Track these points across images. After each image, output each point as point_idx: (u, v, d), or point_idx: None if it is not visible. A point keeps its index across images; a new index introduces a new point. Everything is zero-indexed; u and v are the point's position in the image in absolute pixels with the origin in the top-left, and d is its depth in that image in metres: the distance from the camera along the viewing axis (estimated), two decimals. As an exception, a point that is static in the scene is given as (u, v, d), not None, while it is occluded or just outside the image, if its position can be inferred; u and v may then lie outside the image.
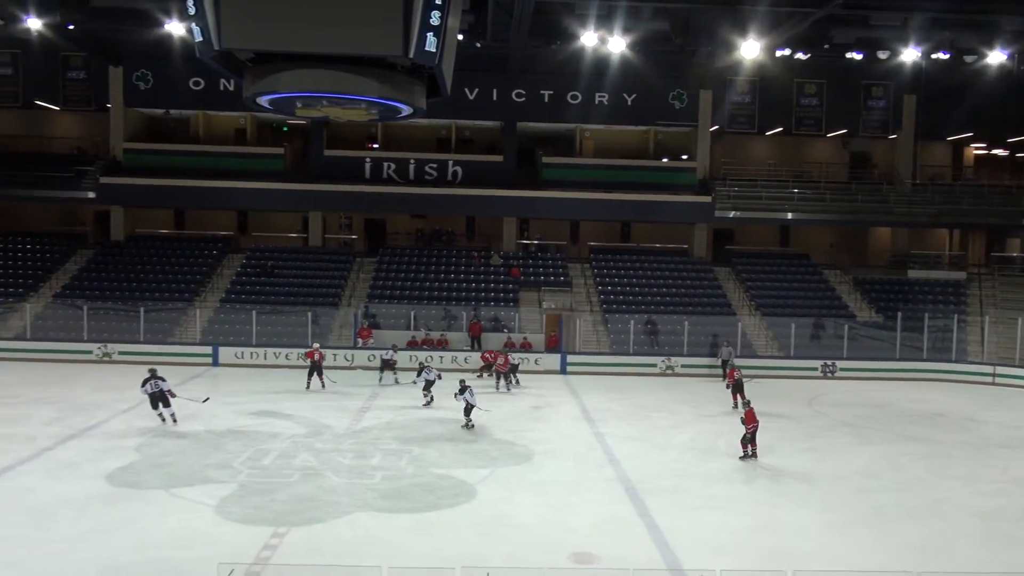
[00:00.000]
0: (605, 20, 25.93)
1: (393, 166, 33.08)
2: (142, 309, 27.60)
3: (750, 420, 16.30)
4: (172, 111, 34.61)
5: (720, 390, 22.67)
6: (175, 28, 26.57)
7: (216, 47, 12.71)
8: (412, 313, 28.69)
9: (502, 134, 34.41)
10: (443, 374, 21.84)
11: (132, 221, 33.67)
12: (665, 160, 35.40)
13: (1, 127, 34.49)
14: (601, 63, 29.89)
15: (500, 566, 9.98)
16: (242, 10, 12.44)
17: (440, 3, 12.54)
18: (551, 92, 33.11)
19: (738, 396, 20.57)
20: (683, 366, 27.24)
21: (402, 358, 25.20)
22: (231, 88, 31.13)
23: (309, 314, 27.72)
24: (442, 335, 27.86)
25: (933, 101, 33.36)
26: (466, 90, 32.05)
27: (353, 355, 26.77)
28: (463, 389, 18.34)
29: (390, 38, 12.49)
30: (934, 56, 28.23)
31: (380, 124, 33.13)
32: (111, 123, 33.27)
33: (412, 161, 33.17)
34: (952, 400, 24.01)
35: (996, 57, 27.58)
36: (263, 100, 14.02)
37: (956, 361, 27.85)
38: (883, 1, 24.94)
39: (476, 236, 36.30)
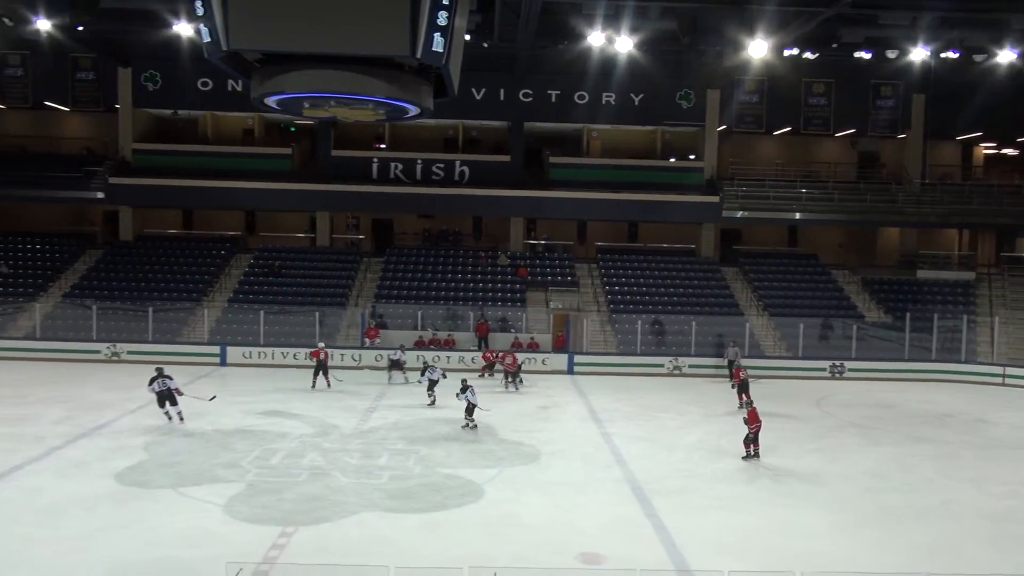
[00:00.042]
0: (612, 20, 25.87)
1: (400, 166, 33.13)
2: (151, 309, 27.71)
3: (753, 420, 16.28)
4: (180, 112, 34.74)
5: (728, 390, 22.61)
6: (183, 29, 26.67)
7: (224, 48, 12.75)
8: (419, 313, 28.73)
9: (509, 134, 34.41)
10: (447, 374, 21.84)
11: (141, 221, 33.82)
12: (672, 160, 35.34)
13: (11, 128, 34.69)
14: (608, 63, 29.84)
15: (507, 566, 9.98)
16: (250, 11, 12.47)
17: (447, 3, 12.54)
18: (558, 92, 33.09)
19: (743, 396, 20.54)
20: (691, 366, 27.19)
21: (409, 358, 25.22)
22: (239, 89, 31.19)
23: (317, 314, 27.77)
24: (449, 335, 27.87)
25: (942, 100, 33.19)
26: (473, 90, 32.07)
27: (360, 355, 26.82)
28: (465, 389, 18.34)
29: (397, 38, 12.51)
30: (943, 55, 28.09)
31: (387, 124, 33.19)
32: (120, 124, 33.41)
33: (419, 161, 33.22)
34: (961, 401, 23.90)
35: (1006, 56, 27.41)
36: (271, 100, 14.05)
37: (966, 362, 27.72)
38: (892, 0, 24.83)
39: (483, 236, 36.31)
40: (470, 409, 18.27)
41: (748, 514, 13.15)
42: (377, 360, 26.41)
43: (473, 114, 33.44)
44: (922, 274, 32.82)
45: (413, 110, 14.41)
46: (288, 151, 34.01)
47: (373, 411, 20.33)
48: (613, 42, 27.15)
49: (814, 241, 36.04)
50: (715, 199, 32.87)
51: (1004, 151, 38.42)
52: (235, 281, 31.09)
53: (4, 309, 28.24)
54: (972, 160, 37.91)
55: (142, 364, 20.74)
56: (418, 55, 12.58)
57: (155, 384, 17.92)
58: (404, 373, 24.32)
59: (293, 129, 36.31)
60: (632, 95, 33.09)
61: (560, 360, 27.23)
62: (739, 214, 32.76)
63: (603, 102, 33.08)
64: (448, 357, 26.56)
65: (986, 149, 38.13)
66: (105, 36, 30.22)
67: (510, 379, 23.79)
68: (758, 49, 26.69)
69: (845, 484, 14.99)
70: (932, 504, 14.04)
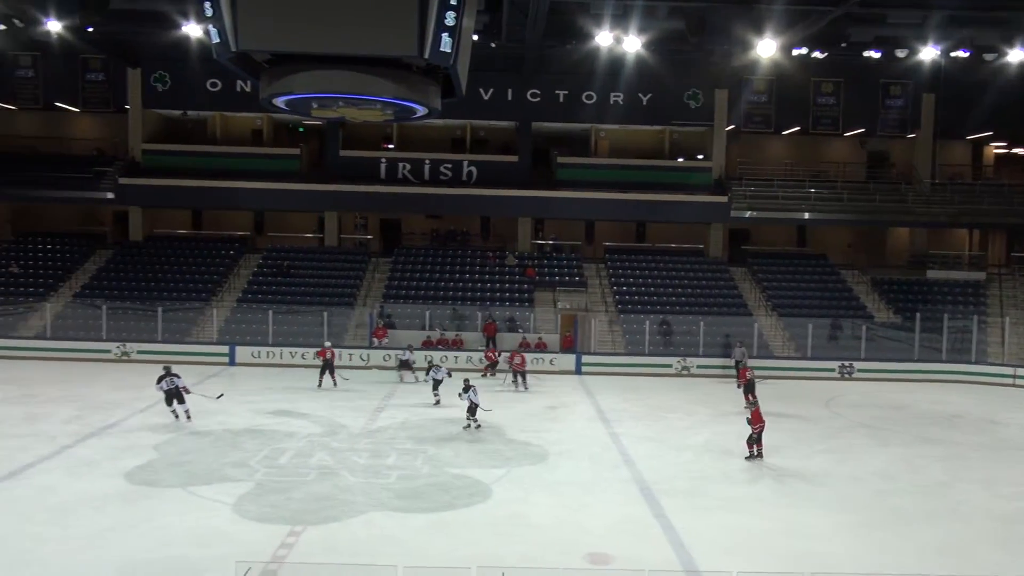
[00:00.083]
0: (620, 20, 25.86)
1: (408, 166, 33.18)
2: (160, 309, 27.84)
3: (756, 420, 16.25)
4: (189, 112, 34.87)
5: (735, 391, 22.55)
6: (192, 30, 26.79)
7: (233, 48, 12.81)
8: (427, 313, 28.76)
9: (517, 134, 34.42)
10: (453, 373, 21.87)
11: (150, 221, 33.99)
12: (680, 160, 35.26)
13: (22, 128, 34.91)
14: (616, 63, 29.82)
15: (515, 566, 9.98)
16: (259, 12, 12.52)
17: (455, 4, 12.57)
18: (566, 92, 33.07)
19: (748, 396, 20.49)
20: (699, 367, 27.13)
21: (417, 358, 25.27)
22: (248, 89, 31.34)
23: (325, 314, 27.84)
24: (457, 335, 27.90)
25: (952, 100, 33.02)
26: (481, 90, 32.09)
27: (369, 355, 26.87)
28: (467, 388, 18.35)
29: (405, 39, 12.54)
30: (953, 54, 27.97)
31: (395, 124, 33.23)
32: (129, 124, 33.58)
33: (427, 161, 33.26)
34: (971, 402, 23.77)
35: (1016, 55, 27.28)
36: (279, 101, 14.11)
37: (976, 362, 27.56)
38: (901, -1, 24.77)
39: (491, 236, 36.32)
40: (472, 409, 18.28)
41: (757, 515, 13.12)
42: (385, 360, 26.47)
43: (481, 114, 33.46)
44: (932, 274, 32.66)
45: (421, 110, 14.45)
46: (297, 151, 34.12)
47: (381, 411, 20.37)
48: (621, 42, 27.14)
49: (823, 241, 35.91)
50: (723, 199, 32.79)
51: (1015, 151, 38.20)
52: (244, 281, 31.22)
53: (15, 309, 28.42)
54: (982, 160, 37.70)
55: (152, 364, 20.84)
56: (426, 55, 12.61)
57: (163, 383, 18.02)
58: (414, 372, 24.37)
59: (301, 130, 36.42)
60: (640, 95, 33.05)
61: (568, 360, 27.22)
62: (747, 214, 32.67)
63: (611, 102, 33.05)
64: (456, 357, 26.59)
65: (997, 149, 37.92)
66: (115, 37, 30.39)
67: (520, 378, 23.83)
68: (766, 48, 26.63)
69: (854, 485, 14.94)
70: (941, 505, 13.97)
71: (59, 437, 16.67)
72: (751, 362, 25.06)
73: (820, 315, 29.24)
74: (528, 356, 25.09)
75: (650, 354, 27.69)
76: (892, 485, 15.04)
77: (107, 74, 33.20)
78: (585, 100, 33.09)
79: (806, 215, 33.05)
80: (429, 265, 32.35)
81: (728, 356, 26.83)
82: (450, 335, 27.89)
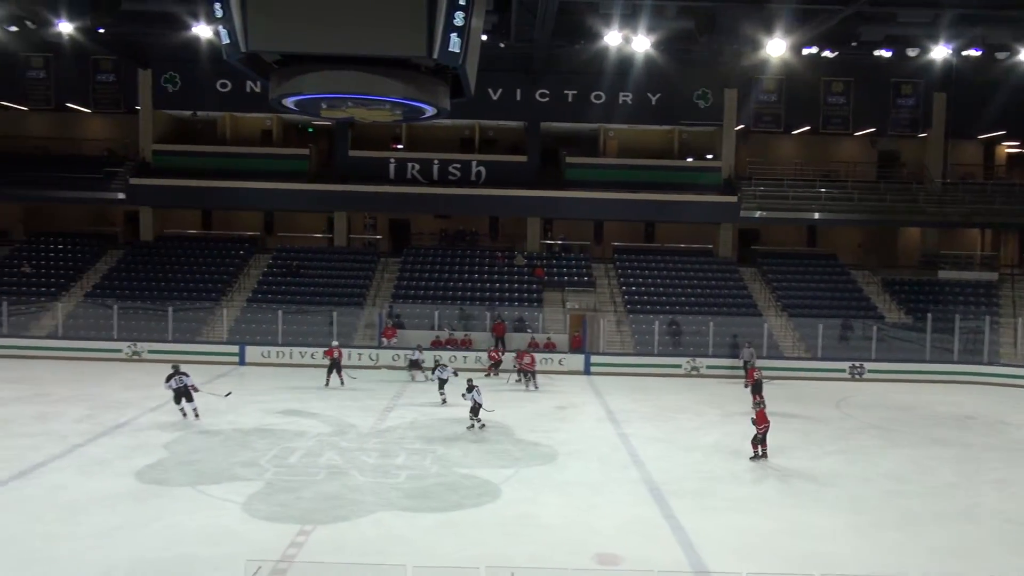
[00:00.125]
0: (629, 19, 25.81)
1: (417, 166, 33.22)
2: (170, 308, 27.97)
3: (761, 421, 16.21)
4: (200, 113, 35.04)
5: (744, 391, 22.47)
6: (203, 31, 26.92)
7: (243, 49, 12.86)
8: (436, 313, 28.80)
9: (526, 134, 34.41)
10: (459, 372, 21.88)
11: (161, 221, 34.15)
12: (690, 160, 35.19)
13: (34, 129, 35.16)
14: (625, 62, 29.78)
15: (524, 566, 9.97)
16: (268, 13, 12.57)
17: (464, 4, 12.58)
18: (575, 92, 33.05)
19: (756, 396, 20.44)
20: (708, 367, 27.05)
21: (426, 358, 25.29)
22: (257, 90, 31.47)
23: (334, 314, 27.91)
24: (466, 335, 27.91)
25: (964, 99, 32.82)
26: (490, 90, 32.10)
27: (378, 355, 26.92)
28: (470, 388, 18.36)
29: (414, 39, 12.56)
30: (965, 53, 27.78)
31: (404, 125, 33.31)
32: (140, 125, 33.77)
33: (436, 161, 33.29)
34: (984, 403, 23.61)
35: (1029, 54, 27.07)
36: (289, 101, 14.15)
37: (988, 363, 27.36)
38: (912, -3, 24.64)
39: (500, 236, 36.34)
40: (475, 409, 18.28)
41: (766, 516, 13.06)
42: (395, 360, 26.52)
43: (490, 114, 33.48)
44: (943, 274, 32.47)
45: (430, 110, 14.46)
46: (306, 152, 34.22)
47: (390, 410, 20.40)
48: (630, 41, 27.10)
49: (833, 241, 35.76)
50: (733, 199, 32.69)
51: (1027, 150, 37.94)
52: (254, 281, 31.33)
53: (27, 308, 28.60)
54: (995, 159, 37.45)
55: (162, 363, 20.92)
56: (435, 56, 12.62)
57: (172, 381, 18.13)
58: (424, 372, 24.42)
59: (311, 130, 36.52)
60: (649, 95, 32.99)
61: (577, 360, 27.19)
62: (757, 214, 32.57)
63: (620, 102, 33.00)
64: (465, 357, 26.60)
65: (1009, 148, 37.63)
66: (126, 38, 30.58)
67: (530, 378, 23.84)
68: (776, 48, 26.54)
69: (864, 486, 14.85)
70: (953, 507, 13.88)
71: (70, 436, 16.77)
72: (759, 362, 24.96)
73: (830, 315, 29.10)
74: (537, 356, 25.10)
75: (659, 354, 27.62)
76: (903, 486, 14.95)
77: (118, 75, 33.40)
78: (594, 100, 33.05)
79: (816, 215, 32.92)
80: (438, 265, 32.38)
81: (736, 356, 26.74)
82: (459, 335, 27.90)
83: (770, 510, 13.41)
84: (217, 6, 12.91)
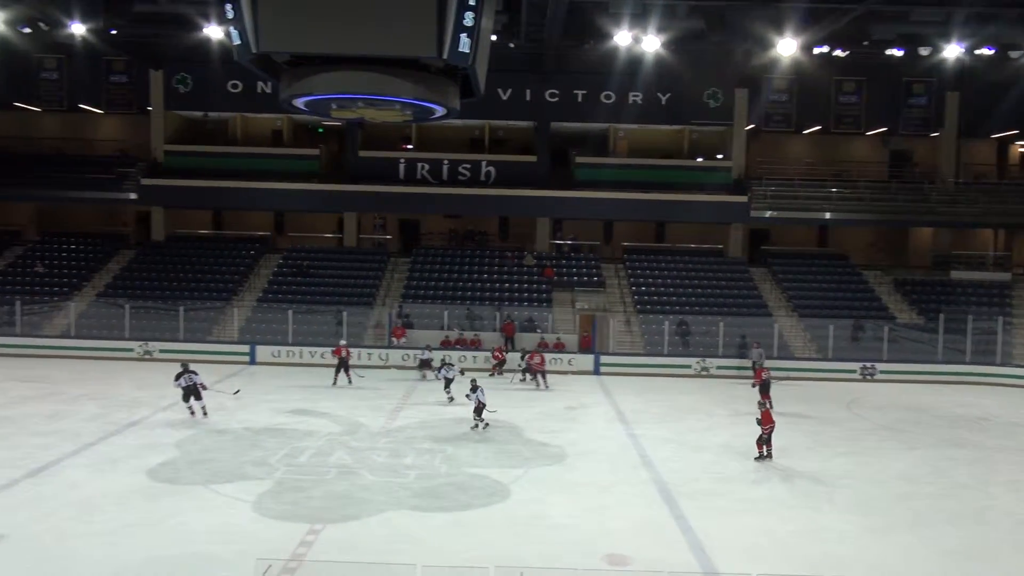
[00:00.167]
0: (639, 19, 25.74)
1: (427, 167, 33.26)
2: (181, 308, 28.12)
3: (766, 421, 16.18)
4: (211, 114, 35.21)
5: (752, 390, 22.34)
6: (214, 32, 27.04)
7: (254, 50, 12.93)
8: (445, 313, 28.83)
9: (535, 134, 34.40)
10: (466, 371, 21.94)
11: (172, 222, 34.32)
12: (700, 160, 35.09)
13: (47, 130, 35.42)
14: (635, 62, 29.70)
15: (533, 566, 9.97)
16: (279, 13, 12.64)
17: (474, 4, 12.60)
18: (584, 92, 33.01)
19: (764, 396, 20.41)
20: (718, 367, 26.97)
21: (435, 357, 25.31)
22: (268, 91, 31.55)
23: (344, 313, 27.98)
24: (475, 335, 27.94)
25: (977, 98, 32.60)
26: (499, 90, 32.10)
27: (388, 354, 26.98)
28: (474, 389, 18.38)
29: (424, 40, 12.59)
30: (977, 52, 27.57)
31: (414, 125, 33.34)
32: (152, 126, 33.97)
33: (446, 162, 33.33)
34: (997, 404, 23.44)
35: (1043, 52, 26.87)
36: (299, 102, 14.22)
37: (1001, 364, 27.16)
38: (924, -4, 24.49)
39: (509, 236, 36.33)
40: (479, 409, 18.29)
41: (777, 517, 13.02)
42: (404, 359, 26.58)
43: (499, 114, 33.49)
44: (956, 275, 32.26)
45: (440, 111, 14.49)
46: (316, 152, 34.33)
47: (400, 410, 20.44)
48: (640, 41, 27.03)
49: (844, 241, 35.57)
50: (743, 199, 32.59)
51: (1041, 149, 37.64)
52: (264, 281, 31.45)
53: (40, 308, 28.82)
54: (1008, 159, 37.16)
55: (173, 363, 21.01)
56: (444, 56, 12.65)
57: (181, 379, 18.26)
58: (434, 371, 24.46)
59: (321, 130, 36.63)
60: (659, 94, 32.92)
61: (586, 360, 27.17)
62: (768, 214, 32.45)
63: (629, 102, 32.94)
64: (475, 357, 26.62)
65: (1022, 147, 37.34)
66: (138, 39, 30.73)
67: (540, 378, 23.90)
68: (787, 47, 26.44)
69: (876, 488, 14.77)
70: (966, 510, 13.78)
71: (83, 434, 16.88)
72: (768, 363, 24.85)
73: (841, 316, 28.96)
74: (547, 356, 25.10)
75: (669, 355, 27.56)
76: (915, 488, 14.87)
77: (130, 76, 33.61)
78: (603, 100, 33.01)
79: (827, 215, 32.78)
80: (447, 265, 32.42)
81: (744, 357, 26.65)
82: (469, 335, 27.93)
83: (781, 511, 13.36)
84: (228, 7, 12.98)
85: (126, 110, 34.34)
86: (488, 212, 35.25)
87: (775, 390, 21.46)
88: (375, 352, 26.98)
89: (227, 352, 26.85)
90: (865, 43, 27.53)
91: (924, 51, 27.59)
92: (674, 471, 15.41)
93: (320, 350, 26.65)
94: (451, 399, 20.98)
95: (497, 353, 25.94)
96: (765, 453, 16.27)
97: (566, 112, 33.47)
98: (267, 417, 19.07)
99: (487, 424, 18.34)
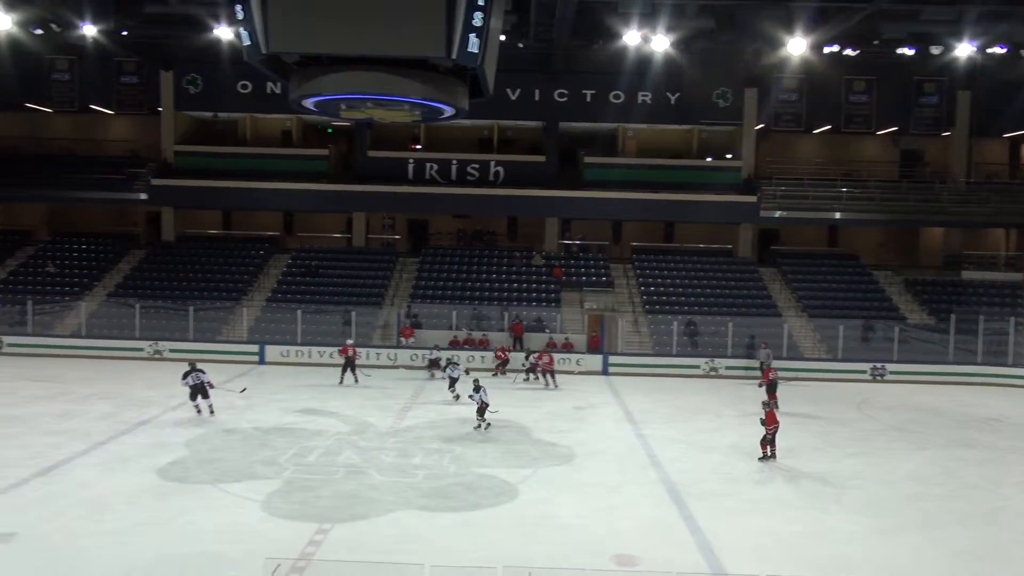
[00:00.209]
0: (648, 18, 25.71)
1: (436, 167, 33.31)
2: (191, 308, 28.24)
3: (770, 421, 16.14)
4: (221, 114, 35.33)
5: (759, 390, 22.24)
6: (224, 33, 27.16)
7: (263, 51, 12.97)
8: (454, 313, 28.85)
9: (544, 134, 34.39)
10: (470, 371, 21.96)
11: (182, 222, 34.47)
12: (709, 159, 34.99)
13: (59, 131, 35.64)
14: (644, 62, 29.65)
15: (542, 566, 9.97)
16: (289, 14, 12.67)
17: (483, 4, 12.60)
18: (593, 92, 32.97)
19: (771, 396, 20.36)
20: (727, 368, 26.88)
21: (443, 357, 25.33)
22: (277, 91, 31.63)
23: (353, 313, 28.05)
24: (484, 335, 27.95)
25: (988, 97, 32.39)
26: (508, 90, 32.10)
27: (396, 354, 27.03)
28: (477, 389, 18.40)
29: (433, 40, 12.60)
30: (989, 50, 27.39)
31: (423, 125, 33.36)
32: (162, 126, 34.13)
33: (454, 162, 33.35)
34: (1008, 405, 23.27)
35: (1055, 51, 26.67)
36: (309, 102, 14.25)
37: (1013, 365, 26.96)
38: (935, -5, 24.35)
39: (518, 236, 36.32)
40: (482, 409, 18.29)
41: (785, 518, 12.97)
42: (412, 359, 26.61)
43: (508, 114, 33.48)
44: (967, 275, 32.06)
45: (448, 111, 14.50)
46: (325, 152, 34.41)
47: (408, 410, 20.47)
48: (649, 41, 26.99)
49: (855, 241, 35.40)
50: (752, 199, 32.49)
51: (1054, 148, 37.34)
52: (273, 281, 31.55)
53: (52, 307, 29.00)
54: (1020, 158, 36.89)
55: (183, 362, 21.15)
56: (454, 56, 12.66)
57: (188, 378, 18.39)
58: (442, 370, 24.52)
59: (330, 131, 36.72)
60: (668, 94, 32.83)
61: (595, 361, 27.13)
62: (777, 214, 32.34)
63: (639, 101, 32.88)
64: (483, 357, 26.62)
65: (1035, 146, 37.14)
66: (148, 41, 30.90)
67: (550, 377, 23.93)
68: (797, 46, 26.34)
69: (886, 489, 14.70)
70: (977, 511, 13.69)
71: (93, 433, 16.98)
72: (777, 363, 24.74)
73: (851, 316, 28.81)
74: (555, 357, 25.08)
75: (678, 355, 27.49)
76: (925, 489, 14.79)
77: (141, 77, 33.77)
78: (612, 100, 32.95)
79: (837, 215, 32.63)
80: (456, 265, 32.44)
81: (752, 357, 26.55)
82: (477, 335, 27.94)
83: (789, 512, 13.31)
84: (238, 8, 13.04)
85: (137, 111, 34.52)
86: (497, 212, 35.25)
87: (782, 390, 21.38)
88: (383, 352, 27.02)
89: (236, 352, 26.95)
90: (876, 42, 27.40)
91: (935, 50, 27.44)
92: (683, 471, 15.38)
93: (329, 350, 26.64)
94: (456, 397, 21.07)
95: (500, 353, 25.98)
96: (769, 454, 16.24)
97: (575, 112, 33.43)
98: (276, 417, 19.13)
99: (489, 424, 18.34)
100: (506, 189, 32.88)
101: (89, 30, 27.17)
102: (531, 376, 24.64)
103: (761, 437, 16.28)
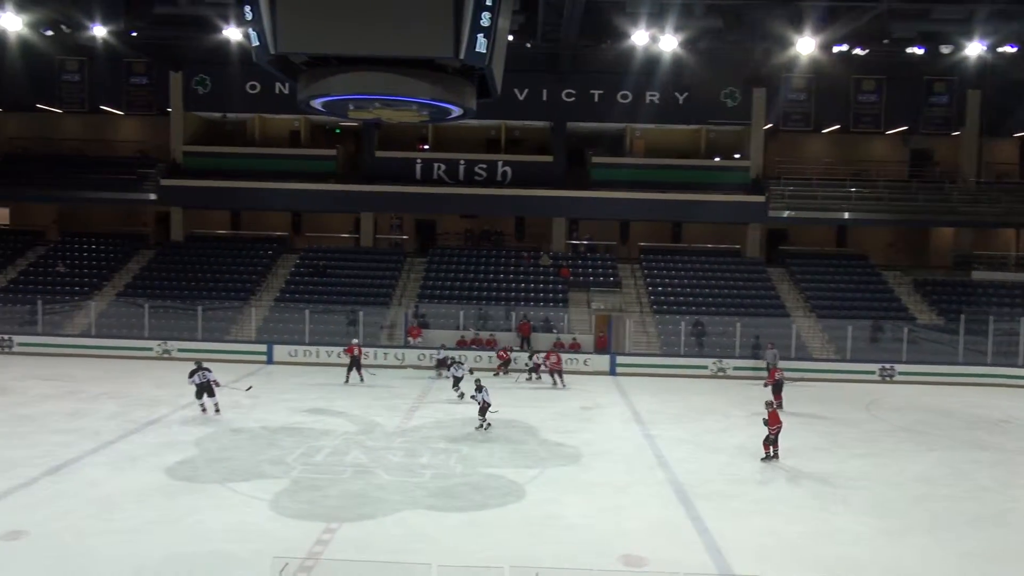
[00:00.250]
0: (656, 18, 25.67)
1: (443, 167, 33.34)
2: (200, 308, 28.35)
3: (773, 422, 16.10)
4: (229, 115, 35.47)
5: (764, 390, 22.19)
6: (233, 34, 27.26)
7: (272, 51, 13.02)
8: (461, 313, 28.88)
9: (552, 134, 34.38)
10: (474, 371, 22.01)
11: (191, 222, 34.62)
12: (717, 159, 34.91)
13: (69, 131, 35.85)
14: (652, 62, 29.60)
15: (549, 567, 9.96)
16: (297, 15, 12.72)
17: (490, 4, 12.62)
18: (601, 92, 32.94)
19: (777, 396, 20.35)
20: (735, 368, 26.81)
21: (449, 357, 25.40)
22: (286, 92, 31.79)
23: (361, 313, 28.11)
24: (491, 335, 27.96)
25: (999, 96, 32.25)
26: (516, 90, 32.11)
27: (404, 354, 27.07)
28: (479, 388, 18.41)
29: (441, 40, 12.62)
30: (1000, 49, 27.24)
31: (431, 125, 33.42)
32: (171, 127, 34.29)
33: (462, 162, 33.38)
34: (1018, 406, 23.12)
35: (1067, 50, 26.49)
36: (317, 103, 14.30)
37: (1023, 366, 26.80)
38: (946, -6, 24.23)
39: (525, 236, 36.33)
40: (483, 409, 18.31)
41: (793, 519, 12.93)
42: (420, 359, 26.66)
43: (516, 114, 33.50)
44: (977, 275, 31.89)
45: (456, 111, 14.52)
46: (333, 152, 34.50)
47: (415, 409, 20.50)
48: (657, 40, 26.94)
49: (864, 241, 35.27)
50: (761, 199, 32.39)
51: (1065, 148, 37.11)
52: (281, 281, 31.65)
53: (61, 307, 29.17)
54: (1031, 158, 36.73)
55: (192, 362, 21.29)
56: (461, 56, 12.67)
57: (195, 376, 18.49)
58: (447, 369, 24.56)
59: (338, 131, 36.80)
60: (676, 94, 32.78)
61: (602, 361, 27.11)
62: (785, 214, 32.24)
63: (646, 101, 32.84)
64: (490, 357, 26.64)
65: (1046, 146, 36.92)
66: (158, 42, 31.04)
67: (558, 376, 23.98)
68: (806, 46, 26.23)
69: (894, 490, 14.64)
70: (987, 512, 13.61)
71: (103, 432, 17.07)
72: (785, 364, 24.67)
73: (860, 316, 28.70)
74: (563, 357, 25.09)
75: (685, 355, 27.44)
76: (933, 490, 14.72)
77: (150, 78, 33.94)
78: (620, 99, 32.92)
79: (846, 215, 32.52)
80: (464, 265, 32.46)
81: (758, 358, 26.47)
82: (484, 335, 27.96)
83: (797, 513, 13.27)
84: (247, 9, 13.08)
85: (146, 111, 34.69)
86: (504, 212, 35.26)
87: (789, 391, 21.34)
88: (391, 352, 27.07)
89: (245, 352, 27.05)
90: (885, 41, 27.26)
91: (945, 49, 27.29)
92: (690, 472, 15.35)
93: (337, 350, 26.71)
94: (461, 395, 21.13)
95: (502, 353, 26.00)
96: (772, 454, 16.21)
97: (582, 112, 33.41)
98: (284, 416, 19.19)
99: (489, 424, 18.35)
100: (513, 189, 32.89)
101: (99, 31, 27.32)
102: (533, 376, 24.69)
103: (764, 437, 16.25)
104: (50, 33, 28.22)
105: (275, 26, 12.72)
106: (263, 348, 27.25)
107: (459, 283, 31.13)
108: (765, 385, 21.20)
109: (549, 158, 33.95)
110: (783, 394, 20.91)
